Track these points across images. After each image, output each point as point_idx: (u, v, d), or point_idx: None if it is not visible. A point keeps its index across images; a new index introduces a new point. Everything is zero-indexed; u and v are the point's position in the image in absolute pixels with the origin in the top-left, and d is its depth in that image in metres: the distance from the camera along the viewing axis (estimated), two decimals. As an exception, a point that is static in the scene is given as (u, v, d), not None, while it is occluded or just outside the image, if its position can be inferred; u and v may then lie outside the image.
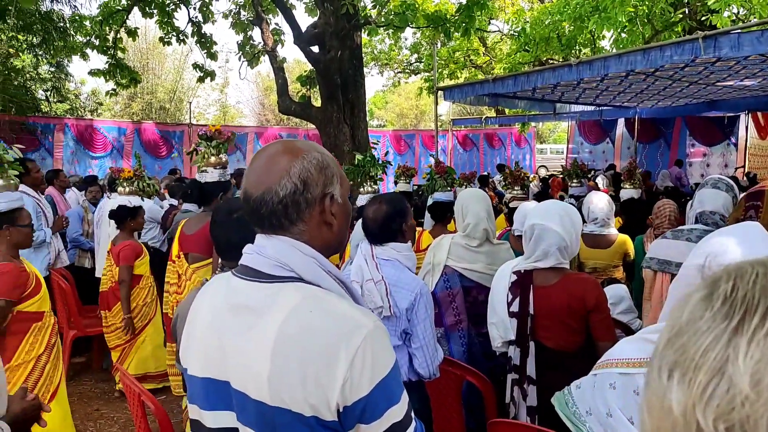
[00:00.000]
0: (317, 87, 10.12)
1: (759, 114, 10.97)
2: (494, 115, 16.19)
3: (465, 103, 9.00)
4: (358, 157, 4.90)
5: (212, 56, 11.44)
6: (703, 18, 10.46)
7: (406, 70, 21.95)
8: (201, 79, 11.98)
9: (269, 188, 1.04)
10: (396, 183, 6.56)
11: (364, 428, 0.96)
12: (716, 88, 8.20)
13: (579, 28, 12.12)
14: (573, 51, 13.19)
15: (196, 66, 11.79)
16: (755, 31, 4.58)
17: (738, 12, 10.67)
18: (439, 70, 18.27)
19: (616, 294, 3.07)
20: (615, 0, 10.32)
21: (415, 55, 20.57)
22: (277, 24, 11.49)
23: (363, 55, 19.79)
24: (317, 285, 1.04)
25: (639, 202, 4.86)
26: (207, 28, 11.27)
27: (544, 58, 13.17)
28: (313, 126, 10.07)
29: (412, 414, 1.04)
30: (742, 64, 6.09)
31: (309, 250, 1.06)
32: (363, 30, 10.29)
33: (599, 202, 3.77)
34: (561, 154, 19.62)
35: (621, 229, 4.18)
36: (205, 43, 11.25)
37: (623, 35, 11.74)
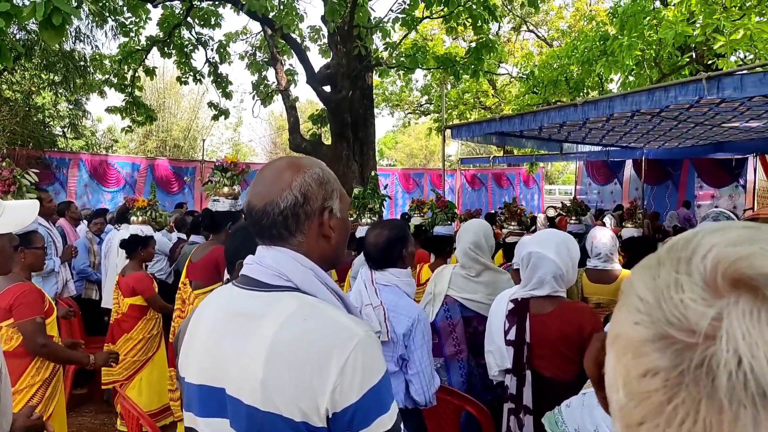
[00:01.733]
0: (328, 126, 10.33)
1: (767, 156, 10.98)
2: (502, 155, 16.34)
3: (472, 141, 9.12)
4: (357, 189, 4.97)
5: (227, 95, 11.75)
6: (710, 62, 10.63)
7: (417, 111, 22.33)
8: (216, 117, 12.27)
9: (271, 200, 1.10)
10: (409, 217, 6.64)
11: None
12: (722, 130, 8.25)
13: (587, 71, 12.36)
14: (581, 93, 13.38)
15: (211, 105, 12.11)
16: (758, 73, 4.66)
17: (744, 57, 10.82)
18: (449, 111, 18.57)
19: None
20: (623, 44, 10.55)
21: (426, 97, 20.98)
22: (291, 65, 11.83)
23: (374, 95, 20.19)
24: (313, 295, 1.08)
25: (640, 240, 4.86)
26: (223, 68, 11.61)
27: (553, 100, 13.36)
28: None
29: (402, 425, 1.04)
30: (746, 105, 6.16)
31: (307, 261, 1.10)
32: (375, 71, 10.56)
33: (603, 237, 3.77)
34: (569, 195, 19.64)
35: (624, 266, 4.16)
36: (221, 82, 11.57)
37: (630, 78, 11.93)
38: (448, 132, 7.53)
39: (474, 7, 8.76)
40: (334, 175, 1.19)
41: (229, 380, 1.04)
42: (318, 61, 10.44)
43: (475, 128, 7.39)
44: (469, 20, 9.06)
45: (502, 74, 19.81)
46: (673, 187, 12.45)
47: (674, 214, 10.99)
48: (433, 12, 9.21)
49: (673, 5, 9.57)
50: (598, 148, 10.79)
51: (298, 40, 10.85)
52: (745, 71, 4.96)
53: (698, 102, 5.83)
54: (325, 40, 10.60)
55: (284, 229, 1.10)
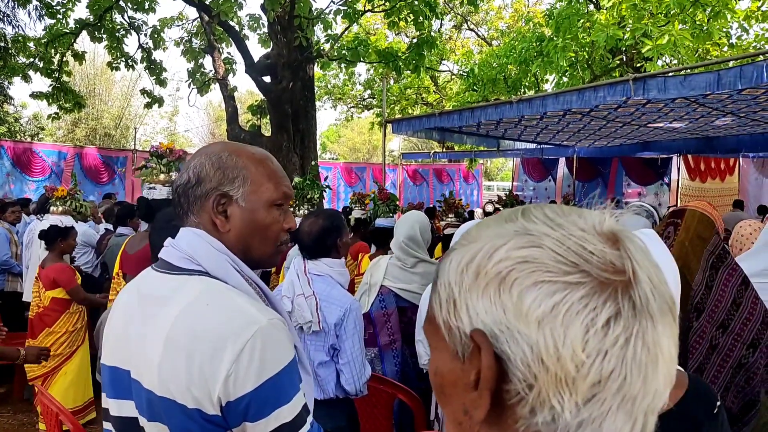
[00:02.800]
0: (268, 117, 10.15)
1: (689, 156, 11.67)
2: (443, 150, 16.60)
3: (414, 136, 9.20)
4: (297, 179, 4.92)
5: (161, 83, 11.33)
6: (639, 65, 11.17)
7: (359, 105, 22.30)
8: (149, 105, 11.81)
9: (177, 177, 1.12)
10: (350, 211, 6.62)
11: (250, 426, 0.95)
12: (648, 130, 8.69)
13: (524, 71, 12.72)
14: (519, 92, 13.76)
15: (144, 92, 11.63)
16: (679, 76, 4.93)
17: (669, 61, 11.43)
18: (391, 106, 18.65)
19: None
20: (557, 46, 10.92)
21: (369, 91, 20.99)
22: (229, 53, 11.53)
23: (316, 88, 20.02)
24: (224, 281, 1.04)
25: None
26: (157, 55, 11.20)
27: (492, 98, 13.66)
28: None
29: (309, 417, 1.02)
30: (669, 107, 6.50)
31: (221, 246, 1.07)
32: (316, 63, 10.45)
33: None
34: (507, 191, 20.17)
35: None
36: (155, 69, 11.14)
37: (565, 79, 12.38)
38: (390, 127, 7.56)
39: (415, 3, 8.82)
40: (266, 166, 1.13)
41: (133, 363, 1.03)
42: (257, 51, 10.24)
43: (415, 123, 7.45)
44: (411, 16, 9.11)
45: (444, 71, 20.10)
46: (603, 185, 13.01)
47: (604, 210, 11.47)
48: (375, 6, 9.21)
49: (605, 9, 9.96)
50: (533, 146, 11.13)
51: (237, 28, 10.59)
52: (671, 74, 5.23)
53: (626, 102, 6.11)
54: (265, 30, 10.39)
55: (179, 207, 1.11)
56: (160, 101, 11.64)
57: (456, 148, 16.24)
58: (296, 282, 2.18)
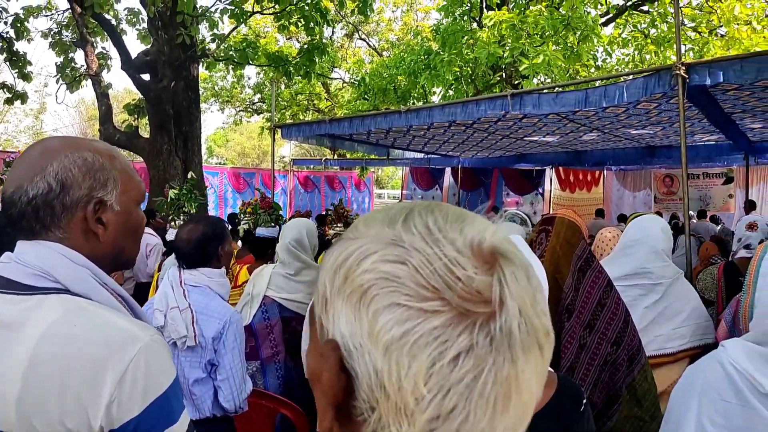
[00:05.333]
0: (147, 117, 9.53)
1: (560, 168, 12.64)
2: (335, 157, 16.61)
3: (306, 142, 9.09)
4: (173, 191, 4.64)
5: (25, 77, 10.24)
6: (517, 82, 11.92)
7: (249, 109, 21.73)
8: (10, 101, 10.62)
9: (20, 187, 0.93)
10: (239, 221, 6.37)
11: None
12: (525, 143, 9.28)
13: (413, 82, 13.10)
14: (408, 103, 14.14)
15: (4, 87, 10.46)
16: (552, 93, 5.30)
17: (544, 79, 12.33)
18: (282, 112, 18.36)
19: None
20: (444, 60, 11.37)
21: (259, 95, 20.51)
22: (104, 47, 10.72)
23: (202, 89, 19.18)
24: (87, 297, 0.92)
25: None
26: (21, 46, 10.13)
27: (382, 108, 13.91)
28: (141, 158, 9.41)
29: None
30: (543, 122, 6.98)
31: (81, 258, 0.95)
32: (201, 63, 10.00)
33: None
34: (398, 199, 20.62)
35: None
36: (17, 61, 10.05)
37: (450, 92, 12.92)
38: (279, 132, 7.41)
39: (306, 8, 8.74)
40: (120, 161, 1.03)
41: None
42: (136, 47, 9.62)
43: (305, 129, 7.37)
44: (302, 21, 9.03)
45: (336, 78, 20.16)
46: (485, 194, 13.71)
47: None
48: (264, 8, 9.01)
49: (487, 28, 10.51)
50: (421, 155, 11.45)
51: (113, 21, 9.88)
52: (545, 92, 5.61)
53: (504, 116, 6.48)
54: (145, 25, 9.78)
55: (36, 221, 0.94)
56: (23, 97, 10.52)
57: (348, 155, 16.34)
58: (170, 294, 2.03)
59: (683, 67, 3.94)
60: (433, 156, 11.32)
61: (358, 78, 15.52)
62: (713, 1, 11.14)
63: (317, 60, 9.88)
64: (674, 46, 4.58)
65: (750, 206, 8.78)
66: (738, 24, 10.39)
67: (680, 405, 1.35)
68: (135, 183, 1.05)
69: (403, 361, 0.40)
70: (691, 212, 10.00)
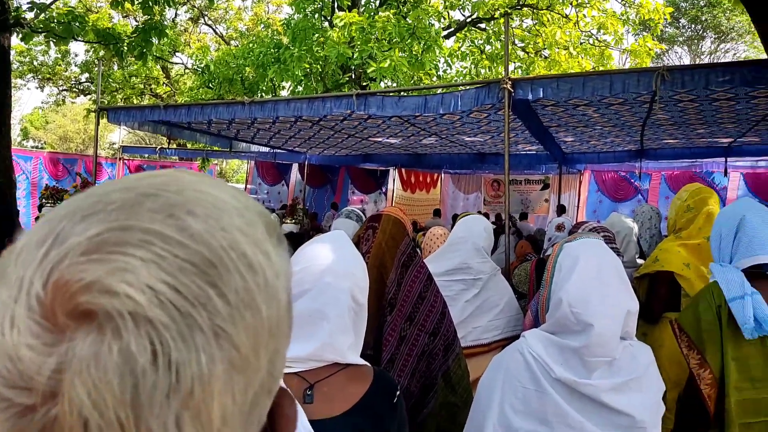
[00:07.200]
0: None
1: (403, 169, 13.21)
2: (174, 147, 15.54)
3: (140, 129, 8.39)
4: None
5: None
6: (365, 84, 12.20)
7: (74, 89, 19.53)
8: None
9: None
10: (41, 207, 5.65)
11: None
12: (370, 143, 9.52)
13: (261, 75, 12.79)
14: (256, 95, 13.76)
15: None
16: (395, 97, 5.49)
17: (390, 83, 12.78)
18: (113, 94, 16.80)
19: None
20: (293, 55, 11.25)
21: (87, 74, 18.51)
22: None
23: (17, 63, 16.86)
24: None
25: (297, 236, 5.22)
26: None
27: (228, 98, 13.37)
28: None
29: None
30: (387, 124, 7.20)
31: None
32: (15, 32, 8.74)
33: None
34: (242, 194, 19.94)
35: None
36: None
37: (300, 88, 12.84)
38: (108, 116, 6.72)
39: (144, -17, 8.08)
40: None
41: None
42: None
43: (136, 114, 6.77)
44: (138, -3, 8.32)
45: (177, 63, 18.95)
46: (331, 191, 13.84)
47: (330, 215, 12.23)
48: (94, -23, 8.14)
49: (338, 28, 10.62)
50: (266, 149, 11.21)
51: None
52: (391, 94, 5.78)
53: (350, 116, 6.57)
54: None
55: None
56: None
57: (189, 145, 15.41)
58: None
59: (510, 82, 4.31)
60: (279, 151, 11.14)
61: (202, 65, 14.75)
62: (539, 26, 12.44)
63: (155, 41, 9.18)
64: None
65: (560, 210, 9.93)
66: (558, 48, 11.72)
67: (485, 394, 1.45)
68: None
69: None
70: (514, 214, 11.08)
